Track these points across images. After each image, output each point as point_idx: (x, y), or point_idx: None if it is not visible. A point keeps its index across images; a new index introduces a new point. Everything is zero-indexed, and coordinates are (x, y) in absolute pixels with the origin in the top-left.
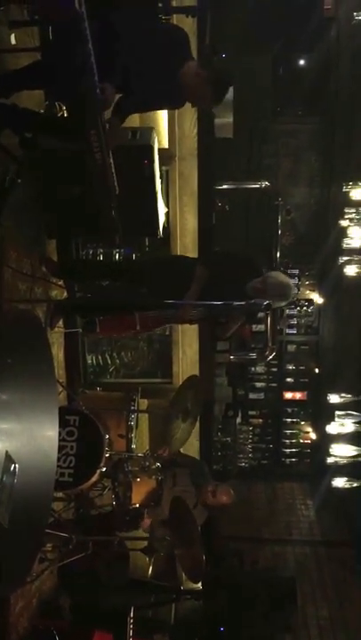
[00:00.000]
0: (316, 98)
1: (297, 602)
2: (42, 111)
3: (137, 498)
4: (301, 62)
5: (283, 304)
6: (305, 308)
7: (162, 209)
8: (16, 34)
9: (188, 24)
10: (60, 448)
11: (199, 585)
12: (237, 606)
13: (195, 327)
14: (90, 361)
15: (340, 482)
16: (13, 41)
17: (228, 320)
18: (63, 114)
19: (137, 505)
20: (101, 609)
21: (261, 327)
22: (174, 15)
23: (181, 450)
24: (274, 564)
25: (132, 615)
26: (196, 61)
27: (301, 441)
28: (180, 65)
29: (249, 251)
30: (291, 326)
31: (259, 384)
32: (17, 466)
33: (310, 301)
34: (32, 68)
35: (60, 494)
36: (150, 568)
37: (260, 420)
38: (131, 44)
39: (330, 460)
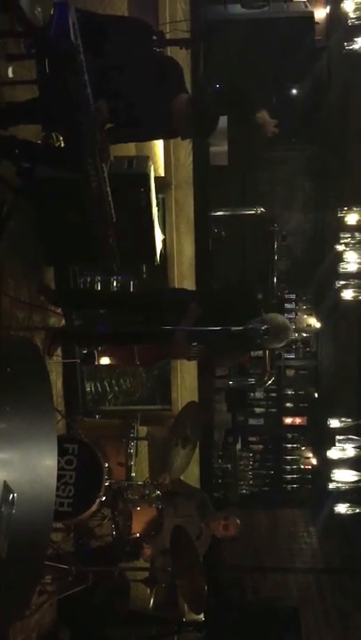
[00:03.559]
0: (309, 125)
1: (301, 632)
2: (39, 141)
3: (137, 527)
4: (294, 91)
5: (280, 346)
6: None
7: (158, 236)
8: (13, 67)
9: (182, 56)
10: (59, 477)
11: (201, 616)
12: (240, 637)
13: None
14: (88, 388)
15: (342, 508)
16: (11, 74)
17: (225, 357)
18: (60, 144)
19: (137, 534)
20: None
21: (260, 352)
22: (168, 47)
23: (182, 477)
24: (276, 593)
25: None
26: (186, 96)
27: (302, 466)
28: (172, 96)
29: (246, 280)
30: (289, 351)
31: (258, 409)
32: (15, 496)
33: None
34: (30, 103)
35: (59, 525)
36: (151, 599)
37: (261, 446)
38: (125, 75)
39: (331, 485)
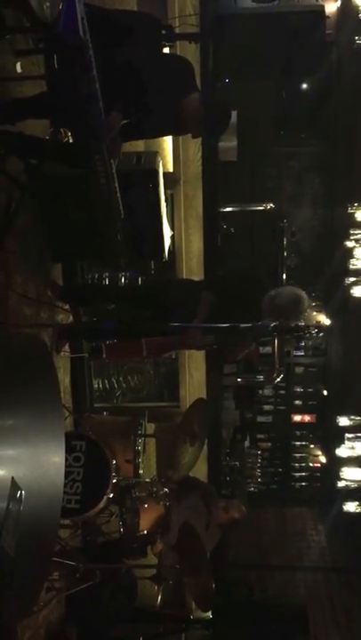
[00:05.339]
0: (319, 120)
1: (309, 630)
2: (47, 137)
3: (145, 524)
4: (303, 86)
5: (301, 316)
6: (314, 334)
7: (167, 232)
8: (21, 62)
9: (191, 50)
10: (67, 474)
11: (209, 614)
12: (248, 635)
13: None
14: (96, 385)
15: (351, 506)
16: (19, 69)
17: (237, 345)
18: (68, 140)
19: (145, 532)
20: (109, 639)
21: (268, 349)
22: (177, 42)
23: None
24: (284, 591)
25: None
26: (197, 95)
27: (311, 464)
28: (182, 95)
29: (254, 270)
30: (298, 348)
31: (267, 407)
32: (23, 492)
33: (320, 329)
34: (38, 98)
35: (66, 521)
36: (159, 597)
37: (269, 444)
38: (134, 72)
39: (340, 483)
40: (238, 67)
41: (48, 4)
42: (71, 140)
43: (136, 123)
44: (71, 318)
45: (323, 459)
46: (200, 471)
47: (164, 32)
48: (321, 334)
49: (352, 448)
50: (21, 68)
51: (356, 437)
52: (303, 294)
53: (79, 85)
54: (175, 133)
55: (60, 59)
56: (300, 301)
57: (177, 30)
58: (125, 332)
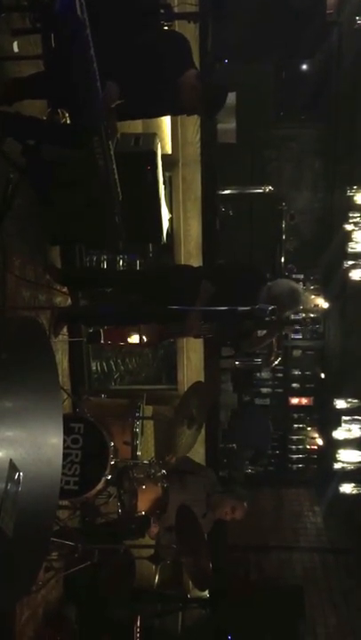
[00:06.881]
0: (319, 102)
1: (305, 610)
2: (44, 118)
3: (143, 505)
4: (304, 67)
5: (295, 309)
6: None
7: (165, 215)
8: (19, 42)
9: (190, 30)
10: (65, 456)
11: (206, 593)
12: (245, 615)
13: None
14: (94, 368)
15: (347, 488)
16: (16, 49)
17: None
18: (66, 120)
19: (142, 512)
20: (107, 618)
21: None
22: (176, 21)
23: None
24: (281, 572)
25: (138, 625)
26: (195, 71)
27: (308, 447)
28: (179, 73)
29: (253, 257)
30: (296, 331)
31: (264, 390)
32: (21, 474)
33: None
34: (35, 78)
35: (65, 502)
36: (156, 576)
37: None
38: (132, 50)
39: (337, 465)
40: (238, 47)
41: None
42: (69, 121)
43: (133, 100)
44: (69, 301)
45: (320, 441)
46: (198, 453)
47: (162, 11)
48: (317, 326)
49: (349, 430)
50: (18, 47)
51: (353, 420)
52: (299, 288)
53: (77, 65)
54: (173, 112)
55: (58, 38)
56: (295, 293)
57: (176, 9)
58: (124, 317)
